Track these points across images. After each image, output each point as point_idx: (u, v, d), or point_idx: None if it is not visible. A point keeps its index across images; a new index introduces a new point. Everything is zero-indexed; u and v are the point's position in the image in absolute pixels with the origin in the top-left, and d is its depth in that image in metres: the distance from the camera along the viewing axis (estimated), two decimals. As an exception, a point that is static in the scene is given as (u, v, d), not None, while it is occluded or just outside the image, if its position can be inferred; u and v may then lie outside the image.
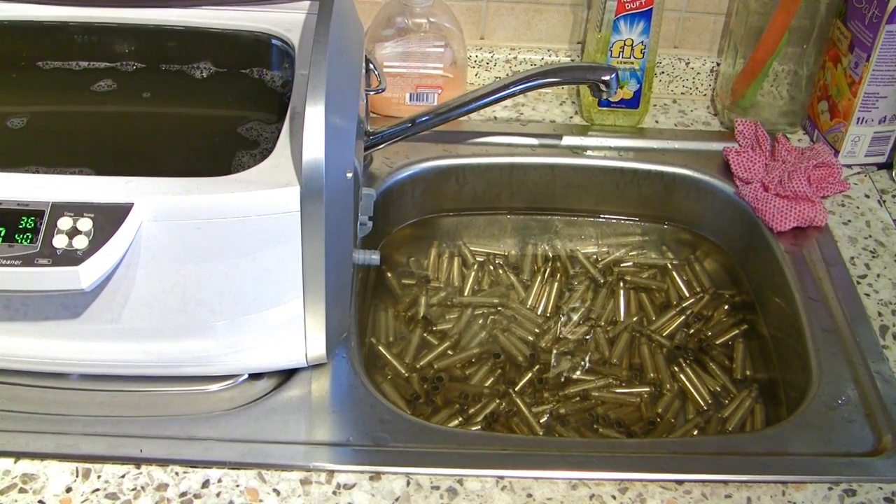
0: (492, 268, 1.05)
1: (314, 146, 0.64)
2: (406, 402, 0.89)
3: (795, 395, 0.84)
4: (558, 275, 1.04)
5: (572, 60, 1.15)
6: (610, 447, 0.79)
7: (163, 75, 0.83)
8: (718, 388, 0.92)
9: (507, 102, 1.13)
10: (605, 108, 1.09)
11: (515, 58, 1.14)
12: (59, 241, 0.63)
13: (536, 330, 0.97)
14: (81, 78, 0.81)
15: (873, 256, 0.94)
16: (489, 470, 0.71)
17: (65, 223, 0.63)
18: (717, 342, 0.97)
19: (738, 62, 1.08)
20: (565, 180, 1.06)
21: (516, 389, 0.91)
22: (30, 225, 0.63)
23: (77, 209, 0.64)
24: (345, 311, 0.78)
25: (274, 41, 0.82)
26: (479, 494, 0.70)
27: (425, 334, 0.97)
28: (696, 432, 0.88)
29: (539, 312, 1.00)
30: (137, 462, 0.71)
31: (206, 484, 0.69)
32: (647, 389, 0.91)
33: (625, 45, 1.05)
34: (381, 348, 0.93)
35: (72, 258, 0.62)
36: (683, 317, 0.99)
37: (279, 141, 0.69)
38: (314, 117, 0.64)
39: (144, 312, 0.70)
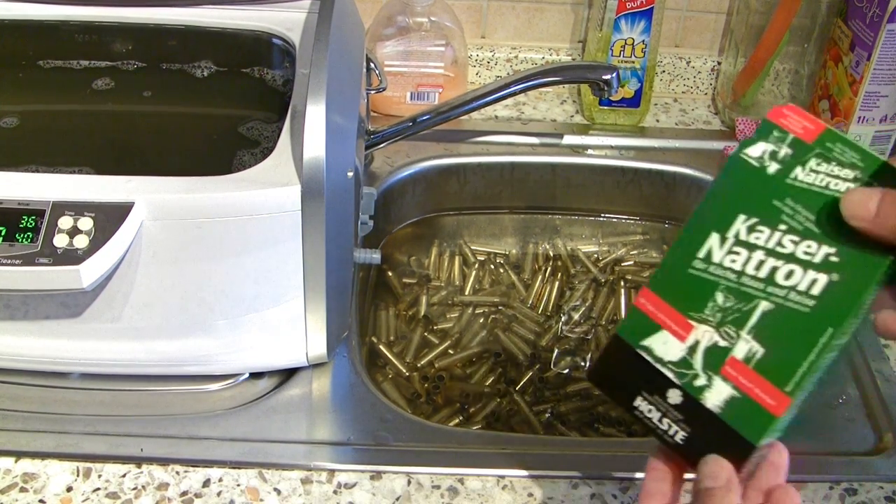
0: (492, 267, 1.05)
1: (315, 145, 0.64)
2: (407, 401, 0.89)
3: (796, 395, 0.84)
4: (559, 274, 1.04)
5: (573, 59, 1.15)
6: (611, 446, 0.79)
7: (163, 74, 0.82)
8: (719, 388, 0.92)
9: (508, 101, 1.13)
10: (605, 107, 1.09)
11: (516, 57, 1.14)
12: (60, 241, 0.62)
13: (537, 329, 0.97)
14: (82, 77, 0.81)
15: (874, 255, 0.94)
16: (490, 469, 0.71)
17: (65, 222, 0.63)
18: (718, 341, 0.97)
19: (738, 61, 1.08)
20: (566, 179, 1.06)
21: (517, 388, 0.91)
22: (30, 224, 0.63)
23: (78, 208, 0.64)
24: (345, 310, 0.78)
25: (275, 40, 0.82)
26: (480, 494, 0.70)
27: (426, 333, 0.97)
28: (696, 431, 0.88)
29: (540, 311, 1.00)
30: (138, 461, 0.71)
31: (206, 483, 0.69)
32: (648, 388, 0.91)
33: (626, 44, 1.05)
34: (381, 347, 0.93)
35: (72, 257, 0.62)
36: (684, 316, 0.99)
37: (280, 140, 0.69)
38: (315, 116, 0.64)
39: (145, 311, 0.70)
